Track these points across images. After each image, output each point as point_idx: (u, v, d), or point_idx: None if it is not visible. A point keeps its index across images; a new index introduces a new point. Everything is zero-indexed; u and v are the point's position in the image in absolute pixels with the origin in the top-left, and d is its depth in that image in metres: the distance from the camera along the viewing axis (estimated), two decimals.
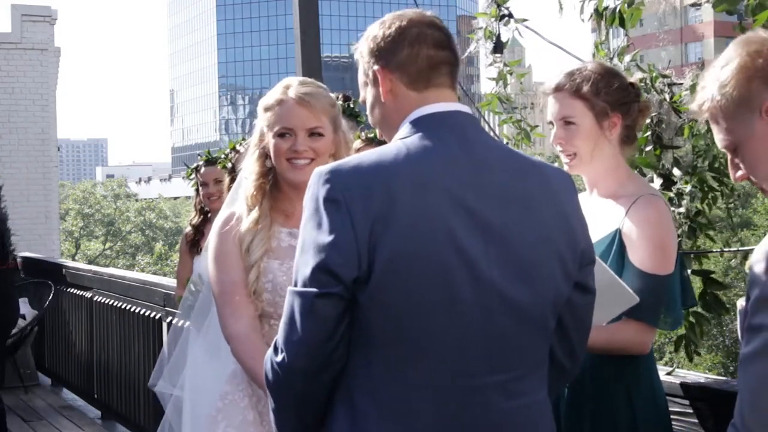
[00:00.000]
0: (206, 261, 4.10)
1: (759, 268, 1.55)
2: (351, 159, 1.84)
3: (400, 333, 1.75)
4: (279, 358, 1.80)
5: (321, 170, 1.81)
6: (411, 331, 1.75)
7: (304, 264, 1.77)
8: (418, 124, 1.88)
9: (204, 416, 2.69)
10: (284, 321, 1.80)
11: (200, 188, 4.95)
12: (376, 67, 1.94)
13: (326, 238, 1.73)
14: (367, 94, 2.00)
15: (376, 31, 1.96)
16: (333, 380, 1.80)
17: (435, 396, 1.78)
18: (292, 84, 2.58)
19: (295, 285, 1.79)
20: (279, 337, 1.81)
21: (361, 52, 1.99)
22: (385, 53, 1.93)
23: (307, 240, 1.78)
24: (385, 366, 1.77)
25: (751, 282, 1.56)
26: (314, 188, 1.80)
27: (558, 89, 2.53)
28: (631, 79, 2.59)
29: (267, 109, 2.57)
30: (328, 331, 1.75)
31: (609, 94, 2.49)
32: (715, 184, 3.32)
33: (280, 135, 2.53)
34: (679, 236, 3.04)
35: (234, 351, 2.48)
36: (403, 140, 1.86)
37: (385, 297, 1.74)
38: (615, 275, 2.33)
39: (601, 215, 2.51)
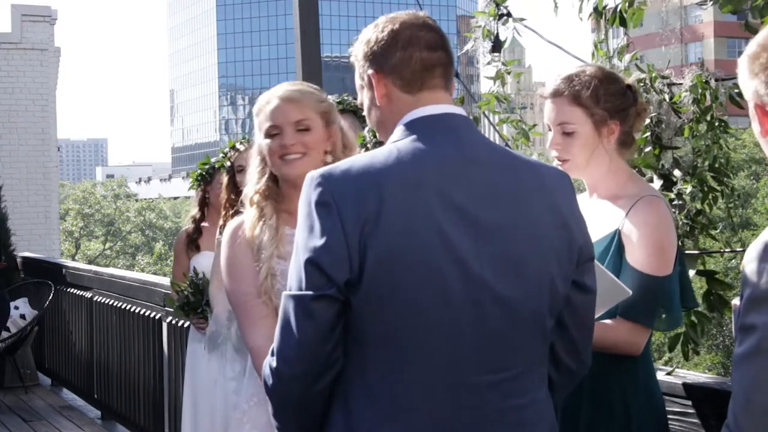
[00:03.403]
0: (204, 260, 4.11)
1: (751, 268, 1.55)
2: (342, 162, 1.85)
3: (392, 334, 1.76)
4: (276, 363, 1.80)
5: (313, 174, 1.82)
6: (403, 332, 1.76)
7: (297, 267, 1.78)
8: (410, 127, 1.89)
9: (230, 419, 2.68)
10: (280, 326, 1.81)
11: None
12: (370, 72, 1.95)
13: (317, 240, 1.75)
14: (363, 97, 2.02)
15: (369, 34, 1.97)
16: (330, 384, 1.81)
17: (429, 395, 1.78)
18: (283, 86, 2.58)
19: (290, 289, 1.79)
20: (275, 342, 1.82)
21: (356, 56, 2.00)
22: (378, 57, 1.94)
23: (299, 243, 1.79)
24: (379, 367, 1.78)
25: (744, 282, 1.56)
26: (306, 192, 1.81)
27: (556, 95, 2.50)
28: (629, 81, 2.56)
29: (257, 114, 2.57)
30: (325, 333, 1.76)
31: (608, 102, 2.46)
32: (715, 185, 3.31)
33: (269, 133, 2.52)
34: (680, 237, 3.04)
35: (253, 363, 2.46)
36: (395, 143, 1.87)
37: (376, 298, 1.75)
38: (606, 269, 2.33)
39: (602, 216, 2.50)
